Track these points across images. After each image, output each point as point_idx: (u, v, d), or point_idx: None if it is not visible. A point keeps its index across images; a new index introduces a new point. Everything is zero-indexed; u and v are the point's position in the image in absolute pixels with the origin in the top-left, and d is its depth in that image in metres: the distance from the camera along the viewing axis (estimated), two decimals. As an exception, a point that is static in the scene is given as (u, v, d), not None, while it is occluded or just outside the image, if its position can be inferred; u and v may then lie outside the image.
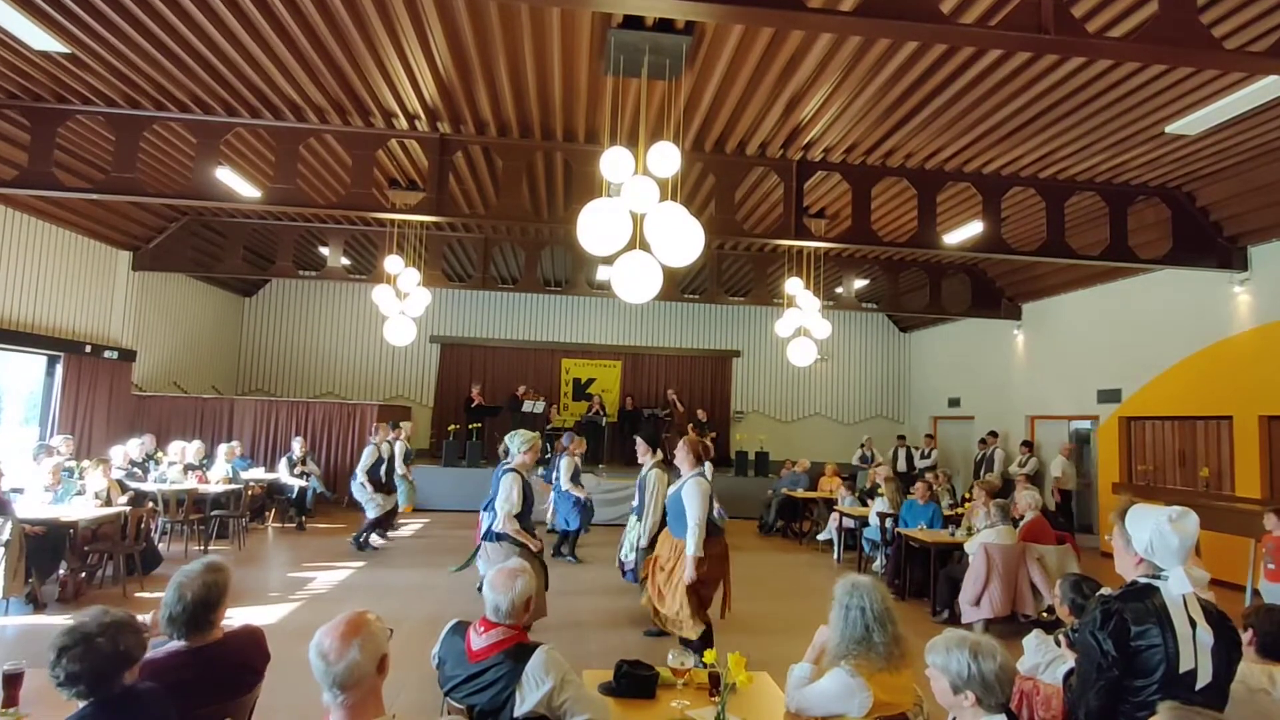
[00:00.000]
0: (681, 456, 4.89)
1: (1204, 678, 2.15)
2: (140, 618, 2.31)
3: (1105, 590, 2.49)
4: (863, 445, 13.53)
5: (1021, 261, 10.56)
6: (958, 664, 2.02)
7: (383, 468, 9.02)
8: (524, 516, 4.97)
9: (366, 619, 1.88)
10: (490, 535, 4.94)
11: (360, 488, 8.73)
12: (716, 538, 4.86)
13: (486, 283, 11.95)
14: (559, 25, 5.27)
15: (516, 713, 2.27)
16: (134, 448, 8.59)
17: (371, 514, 8.70)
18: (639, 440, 6.62)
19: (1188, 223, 8.26)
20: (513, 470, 4.92)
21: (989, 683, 1.99)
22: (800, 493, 11.09)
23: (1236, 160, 7.26)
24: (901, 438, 13.89)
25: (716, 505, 6.22)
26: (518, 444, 5.00)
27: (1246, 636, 2.73)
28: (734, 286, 14.19)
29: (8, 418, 9.90)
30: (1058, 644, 3.18)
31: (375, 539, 8.85)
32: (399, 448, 9.93)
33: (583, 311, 15.64)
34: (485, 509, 5.07)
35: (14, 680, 2.34)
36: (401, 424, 10.68)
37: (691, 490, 4.66)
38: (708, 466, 8.01)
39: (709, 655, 2.76)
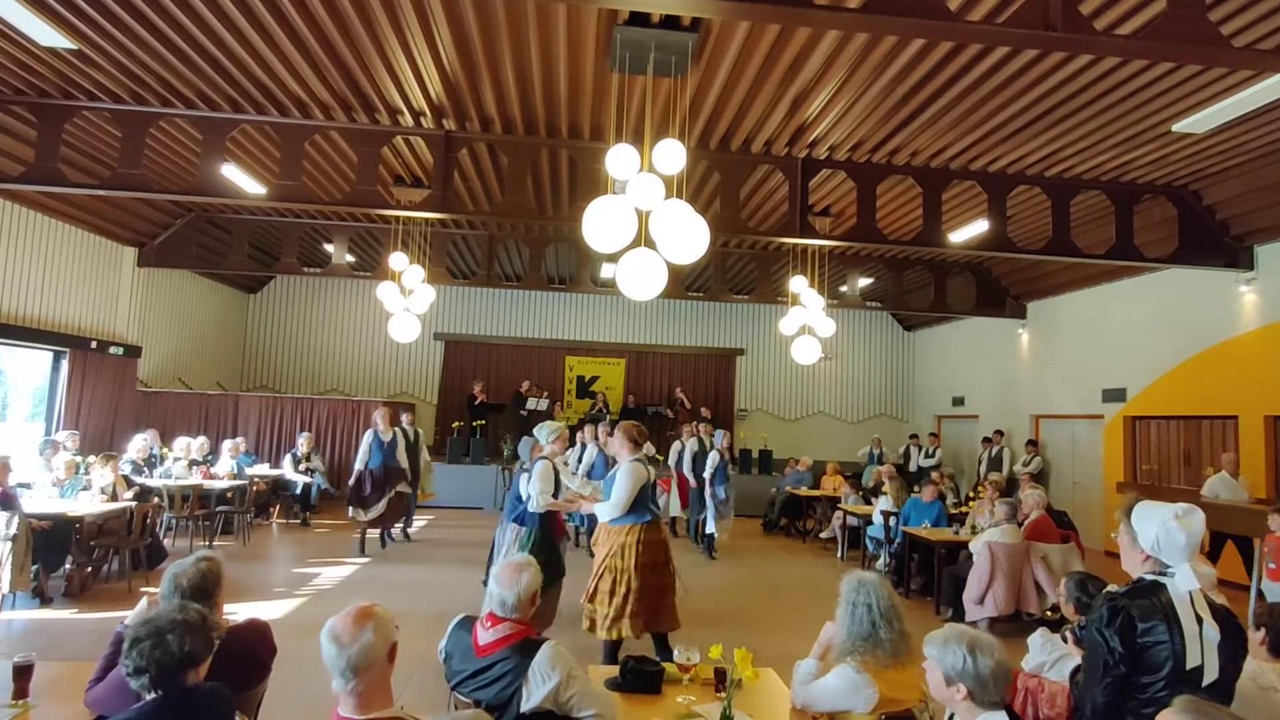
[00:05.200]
0: (618, 444, 4.69)
1: (1210, 674, 2.15)
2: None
3: (1112, 587, 2.48)
4: (871, 443, 13.50)
5: (1027, 260, 10.52)
6: (953, 657, 2.03)
7: (398, 449, 8.60)
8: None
9: (375, 609, 1.94)
10: (523, 518, 5.12)
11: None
12: (651, 523, 4.56)
13: (491, 280, 11.92)
14: (565, 22, 5.27)
15: (523, 708, 2.28)
16: (140, 445, 8.57)
17: (355, 514, 8.37)
18: None
19: (1194, 221, 8.23)
20: (544, 458, 5.14)
21: (983, 678, 1.99)
22: (804, 491, 11.10)
23: (1244, 159, 7.23)
24: (914, 436, 13.85)
25: (664, 494, 6.11)
26: (545, 434, 5.27)
27: (1259, 636, 2.73)
28: (738, 284, 14.18)
29: (14, 413, 9.93)
30: (1064, 640, 3.18)
31: (394, 532, 8.77)
32: (411, 431, 9.25)
33: (587, 309, 15.64)
34: (511, 508, 5.25)
35: (24, 672, 2.37)
36: (403, 414, 10.44)
37: (624, 472, 4.50)
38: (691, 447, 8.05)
39: (714, 650, 2.77)
